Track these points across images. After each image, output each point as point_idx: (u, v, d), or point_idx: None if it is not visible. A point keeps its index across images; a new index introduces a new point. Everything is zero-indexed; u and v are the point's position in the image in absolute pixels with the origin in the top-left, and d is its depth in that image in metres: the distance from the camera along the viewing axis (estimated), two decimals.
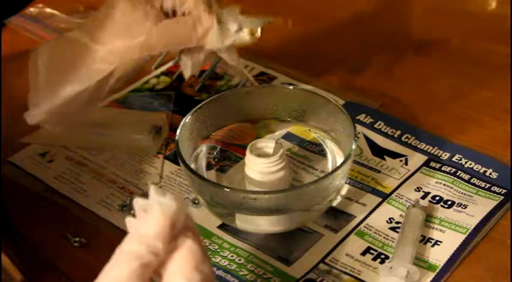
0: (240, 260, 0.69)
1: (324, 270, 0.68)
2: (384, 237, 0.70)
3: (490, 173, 0.76)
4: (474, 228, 0.70)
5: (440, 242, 0.69)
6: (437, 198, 0.73)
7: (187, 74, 0.72)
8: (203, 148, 0.75)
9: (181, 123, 0.72)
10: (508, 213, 0.72)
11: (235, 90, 0.80)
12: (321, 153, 0.76)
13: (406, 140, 0.80)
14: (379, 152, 0.79)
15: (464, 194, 0.74)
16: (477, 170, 0.76)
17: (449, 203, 0.73)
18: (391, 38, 0.97)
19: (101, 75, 0.67)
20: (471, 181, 0.75)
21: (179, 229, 0.50)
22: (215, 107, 0.74)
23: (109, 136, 0.80)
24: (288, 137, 0.78)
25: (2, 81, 0.67)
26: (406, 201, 0.73)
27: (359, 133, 0.80)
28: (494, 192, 0.74)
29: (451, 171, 0.76)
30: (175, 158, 0.78)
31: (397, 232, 0.70)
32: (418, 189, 0.75)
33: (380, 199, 0.74)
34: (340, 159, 0.72)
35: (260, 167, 0.69)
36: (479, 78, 0.89)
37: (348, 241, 0.70)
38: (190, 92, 0.88)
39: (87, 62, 0.66)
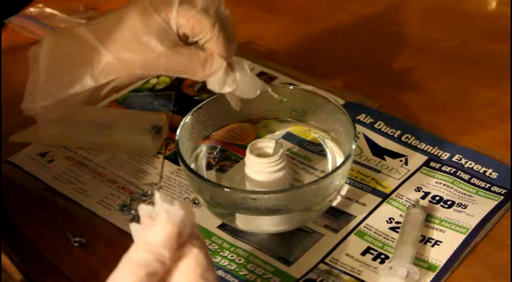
0: (240, 260, 0.69)
1: (324, 270, 0.68)
2: (384, 237, 0.70)
3: (490, 173, 0.76)
4: (474, 228, 0.70)
5: (440, 242, 0.69)
6: (437, 198, 0.73)
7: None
8: (203, 148, 0.75)
9: (181, 123, 0.72)
10: (508, 213, 0.72)
11: None
12: (321, 153, 0.76)
13: (406, 140, 0.80)
14: (379, 152, 0.79)
15: (464, 194, 0.74)
16: (477, 170, 0.76)
17: (449, 203, 0.73)
18: (391, 38, 0.97)
19: (106, 79, 0.66)
20: (471, 181, 0.75)
21: (186, 237, 0.50)
22: (215, 107, 0.74)
23: (109, 136, 0.80)
24: (288, 137, 0.78)
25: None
26: (406, 201, 0.73)
27: (359, 133, 0.80)
28: (494, 192, 0.74)
29: (451, 171, 0.76)
30: (175, 158, 0.78)
31: (397, 232, 0.70)
32: (418, 189, 0.75)
33: (380, 199, 0.74)
34: (340, 159, 0.72)
35: (260, 167, 0.69)
36: (480, 78, 0.89)
37: (348, 241, 0.70)
38: (190, 92, 0.88)
39: (94, 64, 0.65)
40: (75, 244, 0.72)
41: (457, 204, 0.73)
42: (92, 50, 0.65)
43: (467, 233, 0.70)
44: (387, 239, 0.70)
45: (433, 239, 0.69)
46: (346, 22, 1.00)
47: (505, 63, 0.89)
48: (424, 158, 0.78)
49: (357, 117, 0.82)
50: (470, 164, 0.77)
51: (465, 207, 0.72)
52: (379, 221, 0.72)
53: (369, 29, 0.98)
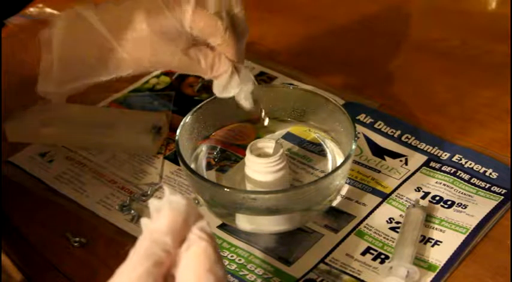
0: (240, 260, 0.69)
1: (324, 270, 0.68)
2: (384, 237, 0.70)
3: (490, 173, 0.76)
4: (474, 228, 0.70)
5: (440, 242, 0.69)
6: (437, 198, 0.73)
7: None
8: (203, 148, 0.75)
9: (181, 123, 0.72)
10: (508, 213, 0.72)
11: None
12: (321, 153, 0.76)
13: (406, 140, 0.80)
14: (379, 152, 0.79)
15: (464, 194, 0.74)
16: (477, 170, 0.76)
17: (449, 203, 0.73)
18: (391, 37, 0.97)
19: (119, 74, 0.67)
20: (471, 181, 0.75)
21: (190, 227, 0.50)
22: (215, 107, 0.74)
23: (109, 136, 0.80)
24: (288, 137, 0.78)
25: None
26: (406, 201, 0.73)
27: (359, 133, 0.80)
28: (494, 192, 0.74)
29: (451, 171, 0.76)
30: (175, 158, 0.78)
31: (397, 232, 0.70)
32: (418, 189, 0.75)
33: (380, 199, 0.74)
34: (340, 159, 0.72)
35: (260, 167, 0.69)
36: (479, 78, 0.89)
37: (348, 241, 0.70)
38: (190, 92, 0.88)
39: (108, 60, 0.66)
40: (75, 244, 0.72)
41: (457, 204, 0.73)
42: (104, 43, 0.65)
43: (467, 233, 0.70)
44: (387, 239, 0.70)
45: (433, 239, 0.69)
46: (346, 22, 1.00)
47: (505, 63, 0.89)
48: (424, 158, 0.78)
49: (357, 117, 0.82)
50: (470, 164, 0.77)
51: (465, 207, 0.72)
52: (379, 221, 0.72)
53: (369, 29, 0.98)
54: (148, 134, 0.80)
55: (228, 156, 0.76)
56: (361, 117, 0.83)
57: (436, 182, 0.75)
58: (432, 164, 0.77)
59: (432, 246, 0.69)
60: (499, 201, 0.73)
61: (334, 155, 0.74)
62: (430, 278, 0.66)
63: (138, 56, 0.66)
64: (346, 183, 0.74)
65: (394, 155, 0.78)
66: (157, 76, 0.91)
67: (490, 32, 0.96)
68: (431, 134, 0.81)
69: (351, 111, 0.72)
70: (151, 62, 0.67)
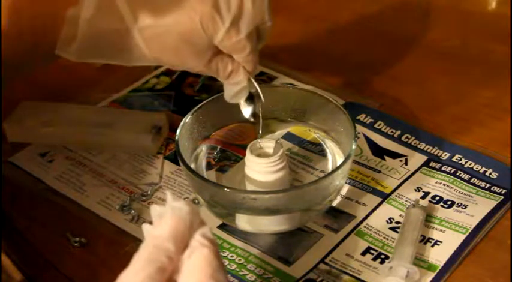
0: (240, 260, 0.69)
1: (324, 270, 0.68)
2: (384, 237, 0.70)
3: (490, 173, 0.76)
4: (474, 228, 0.70)
5: (440, 242, 0.69)
6: (437, 198, 0.73)
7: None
8: (203, 148, 0.75)
9: (181, 123, 0.72)
10: (508, 213, 0.72)
11: None
12: (321, 153, 0.76)
13: (406, 140, 0.80)
14: (379, 152, 0.79)
15: (464, 194, 0.74)
16: (477, 170, 0.76)
17: (449, 203, 0.73)
18: (391, 37, 0.97)
19: (140, 64, 0.66)
20: (471, 181, 0.75)
21: (193, 234, 0.50)
22: (215, 107, 0.74)
23: (109, 136, 0.81)
24: (288, 137, 0.78)
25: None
26: (406, 201, 0.73)
27: (359, 133, 0.80)
28: (494, 192, 0.74)
29: (451, 171, 0.76)
30: (175, 158, 0.78)
31: (397, 232, 0.70)
32: (418, 189, 0.75)
33: (380, 199, 0.74)
34: (340, 159, 0.72)
35: (260, 167, 0.69)
36: (479, 78, 0.89)
37: (348, 241, 0.70)
38: (190, 92, 0.88)
39: (132, 57, 0.65)
40: (75, 244, 0.72)
41: (457, 204, 0.73)
42: (129, 36, 0.64)
43: (467, 233, 0.70)
44: (387, 239, 0.70)
45: (433, 239, 0.69)
46: (346, 22, 1.00)
47: (505, 63, 0.89)
48: (424, 158, 0.78)
49: (357, 117, 0.82)
50: (470, 164, 0.77)
51: (465, 207, 0.72)
52: (379, 221, 0.72)
53: (369, 29, 0.99)
54: (148, 134, 0.80)
55: (228, 156, 0.76)
56: (361, 117, 0.83)
57: (436, 182, 0.75)
58: (432, 164, 0.77)
59: (432, 246, 0.69)
60: (499, 201, 0.73)
61: (334, 155, 0.74)
62: (430, 278, 0.66)
63: (160, 55, 0.66)
64: (346, 183, 0.74)
65: (394, 155, 0.78)
66: (157, 76, 0.91)
67: (490, 32, 0.96)
68: (431, 134, 0.81)
69: (351, 111, 0.72)
70: (171, 63, 0.67)
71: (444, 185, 0.75)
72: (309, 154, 0.77)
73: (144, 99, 0.88)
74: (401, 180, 0.76)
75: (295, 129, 0.78)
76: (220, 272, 0.49)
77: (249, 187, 0.70)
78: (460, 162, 0.77)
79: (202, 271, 0.49)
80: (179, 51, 0.65)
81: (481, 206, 0.72)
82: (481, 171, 0.76)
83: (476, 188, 0.74)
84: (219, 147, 0.76)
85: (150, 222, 0.72)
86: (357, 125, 0.72)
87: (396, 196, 0.74)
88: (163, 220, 0.50)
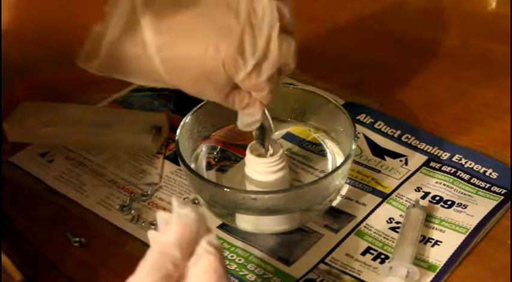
0: (240, 260, 0.69)
1: (324, 270, 0.68)
2: (384, 237, 0.70)
3: (490, 173, 0.76)
4: (474, 228, 0.70)
5: (440, 242, 0.69)
6: (437, 198, 0.73)
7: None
8: (203, 148, 0.75)
9: (181, 123, 0.72)
10: (508, 213, 0.72)
11: None
12: (321, 153, 0.76)
13: (406, 140, 0.80)
14: (379, 152, 0.79)
15: (464, 194, 0.74)
16: (477, 170, 0.76)
17: (449, 203, 0.73)
18: (391, 38, 0.97)
19: (157, 86, 0.66)
20: (471, 181, 0.75)
21: (198, 241, 0.50)
22: (215, 107, 0.74)
23: (109, 136, 0.80)
24: (288, 137, 0.78)
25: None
26: (406, 201, 0.73)
27: (359, 133, 0.80)
28: (494, 192, 0.74)
29: (451, 171, 0.76)
30: (175, 158, 0.78)
31: (397, 232, 0.70)
32: (418, 189, 0.75)
33: (380, 199, 0.74)
34: (340, 159, 0.72)
35: (260, 167, 0.69)
36: (479, 78, 0.89)
37: (348, 241, 0.70)
38: None
39: (151, 80, 0.64)
40: (75, 244, 0.72)
41: (457, 204, 0.73)
42: (153, 68, 0.63)
43: (467, 233, 0.70)
44: (387, 239, 0.70)
45: (433, 239, 0.69)
46: (346, 22, 1.00)
47: (505, 63, 0.89)
48: (424, 158, 0.78)
49: (357, 117, 0.82)
50: (470, 164, 0.77)
51: (465, 207, 0.72)
52: (379, 221, 0.72)
53: (369, 29, 0.98)
54: (148, 134, 0.80)
55: (228, 156, 0.76)
56: (361, 117, 0.83)
57: (436, 182, 0.75)
58: (432, 164, 0.77)
59: (432, 246, 0.69)
60: (499, 201, 0.73)
61: (334, 155, 0.74)
62: (430, 278, 0.66)
63: (179, 83, 0.64)
64: (346, 183, 0.74)
65: (394, 155, 0.78)
66: None
67: (490, 32, 0.96)
68: (431, 134, 0.81)
69: (351, 111, 0.72)
70: (189, 91, 0.65)
71: (444, 185, 0.75)
72: (309, 154, 0.77)
73: (144, 99, 0.88)
74: (401, 180, 0.76)
75: (295, 129, 0.78)
76: (225, 279, 0.49)
77: (249, 187, 0.70)
78: (460, 162, 0.77)
79: (207, 278, 0.49)
80: (198, 83, 0.64)
81: (481, 206, 0.72)
82: (481, 171, 0.76)
83: (476, 188, 0.74)
84: (219, 147, 0.76)
85: (151, 224, 0.72)
86: (357, 125, 0.72)
87: (396, 196, 0.74)
88: (169, 227, 0.50)
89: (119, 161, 0.80)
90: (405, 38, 0.97)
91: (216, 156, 0.76)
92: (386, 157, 0.78)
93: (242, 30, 0.61)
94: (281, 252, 0.69)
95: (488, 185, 0.74)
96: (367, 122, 0.82)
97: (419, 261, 0.67)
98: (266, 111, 0.67)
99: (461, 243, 0.69)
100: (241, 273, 0.68)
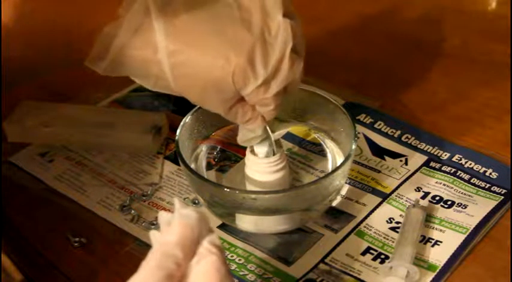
0: (240, 260, 0.69)
1: (324, 270, 0.68)
2: (384, 237, 0.70)
3: (490, 173, 0.76)
4: (474, 228, 0.70)
5: (440, 242, 0.69)
6: (437, 198, 0.73)
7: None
8: (203, 148, 0.75)
9: (181, 123, 0.72)
10: (508, 213, 0.72)
11: None
12: (321, 153, 0.76)
13: (406, 140, 0.80)
14: (379, 152, 0.79)
15: (464, 194, 0.74)
16: (477, 170, 0.76)
17: (449, 203, 0.73)
18: (391, 38, 0.97)
19: (162, 91, 0.66)
20: (471, 181, 0.75)
21: (200, 241, 0.50)
22: None
23: (109, 136, 0.81)
24: (288, 137, 0.78)
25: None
26: (406, 201, 0.73)
27: (359, 133, 0.80)
28: (494, 192, 0.74)
29: (451, 171, 0.76)
30: (175, 158, 0.78)
31: (397, 232, 0.70)
32: (418, 189, 0.75)
33: (380, 199, 0.74)
34: (340, 159, 0.72)
35: (260, 167, 0.69)
36: (479, 78, 0.89)
37: (348, 241, 0.70)
38: None
39: (157, 81, 0.64)
40: (75, 244, 0.72)
41: (457, 204, 0.73)
42: (161, 73, 0.63)
43: (467, 233, 0.70)
44: (387, 239, 0.70)
45: (433, 239, 0.69)
46: (346, 22, 1.00)
47: (505, 63, 0.89)
48: (424, 158, 0.78)
49: (357, 117, 0.82)
50: (470, 164, 0.77)
51: (465, 207, 0.72)
52: (379, 221, 0.72)
53: (369, 29, 0.99)
54: (148, 134, 0.80)
55: (228, 156, 0.76)
56: (361, 117, 0.83)
57: (436, 182, 0.75)
58: (432, 164, 0.77)
59: (432, 246, 0.69)
60: (499, 201, 0.73)
61: (334, 155, 0.74)
62: (430, 278, 0.66)
63: (184, 92, 0.64)
64: (346, 183, 0.74)
65: (394, 155, 0.79)
66: None
67: (490, 32, 0.96)
68: (431, 134, 0.81)
69: (351, 111, 0.72)
70: (193, 100, 0.66)
71: (444, 185, 0.75)
72: (309, 154, 0.77)
73: (144, 99, 0.88)
74: (401, 180, 0.76)
75: (295, 129, 0.78)
76: (227, 279, 0.49)
77: (249, 187, 0.70)
78: (460, 162, 0.77)
79: (210, 278, 0.49)
80: (204, 93, 0.64)
81: (481, 206, 0.72)
82: (481, 171, 0.76)
83: (476, 188, 0.74)
84: (219, 147, 0.76)
85: (151, 224, 0.72)
86: (357, 125, 0.72)
87: (396, 196, 0.74)
88: (172, 227, 0.50)
89: (119, 161, 0.80)
90: (405, 38, 0.97)
91: (216, 156, 0.76)
92: (386, 157, 0.78)
93: (254, 44, 0.61)
94: (281, 252, 0.69)
95: (488, 185, 0.74)
96: (367, 122, 0.82)
97: (419, 261, 0.67)
98: (268, 128, 0.67)
99: (461, 243, 0.69)
100: (241, 273, 0.68)
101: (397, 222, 0.71)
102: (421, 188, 0.75)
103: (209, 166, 0.74)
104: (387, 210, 0.73)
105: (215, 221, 0.72)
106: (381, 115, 0.83)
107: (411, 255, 0.66)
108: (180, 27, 0.62)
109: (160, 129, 0.81)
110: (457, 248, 0.68)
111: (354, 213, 0.73)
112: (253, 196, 0.67)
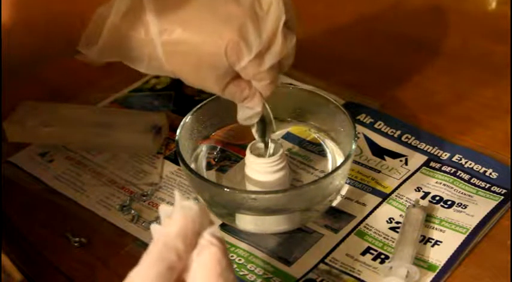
0: (240, 260, 0.69)
1: (324, 270, 0.68)
2: (384, 237, 0.70)
3: (490, 173, 0.76)
4: (474, 228, 0.70)
5: (440, 242, 0.69)
6: (437, 198, 0.73)
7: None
8: (203, 148, 0.75)
9: (181, 123, 0.72)
10: (508, 213, 0.72)
11: None
12: (321, 153, 0.76)
13: (406, 140, 0.80)
14: (379, 152, 0.79)
15: (464, 194, 0.74)
16: (477, 170, 0.76)
17: (449, 203, 0.73)
18: (391, 37, 0.97)
19: (157, 74, 0.65)
20: (471, 181, 0.75)
21: (201, 232, 0.50)
22: (215, 107, 0.74)
23: (109, 136, 0.80)
24: (288, 137, 0.78)
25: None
26: (406, 201, 0.73)
27: (359, 133, 0.80)
28: (494, 192, 0.74)
29: (451, 171, 0.76)
30: (175, 158, 0.78)
31: (397, 232, 0.70)
32: (418, 189, 0.75)
33: (380, 199, 0.74)
34: (340, 159, 0.72)
35: (260, 167, 0.69)
36: (479, 78, 0.89)
37: (348, 241, 0.70)
38: (190, 92, 0.88)
39: (151, 61, 0.64)
40: (75, 244, 0.72)
41: (457, 204, 0.73)
42: (154, 54, 0.63)
43: (467, 233, 0.70)
44: (387, 239, 0.70)
45: (433, 239, 0.69)
46: (346, 22, 1.00)
47: (505, 63, 0.89)
48: (424, 158, 0.78)
49: (357, 117, 0.82)
50: (470, 164, 0.77)
51: (465, 207, 0.72)
52: (379, 221, 0.72)
53: (369, 29, 0.98)
54: (148, 134, 0.80)
55: (228, 156, 0.76)
56: (361, 117, 0.83)
57: (436, 182, 0.75)
58: (432, 164, 0.77)
59: (432, 246, 0.69)
60: (499, 201, 0.73)
61: (334, 155, 0.74)
62: (430, 278, 0.66)
63: (178, 71, 0.64)
64: (346, 183, 0.74)
65: (394, 155, 0.78)
66: (158, 76, 0.91)
67: (490, 32, 0.96)
68: (431, 134, 0.81)
69: (351, 111, 0.72)
70: (188, 81, 0.66)
71: (444, 185, 0.75)
72: (309, 154, 0.77)
73: (144, 99, 0.88)
74: (401, 180, 0.76)
75: (295, 129, 0.78)
76: (228, 271, 0.49)
77: (249, 187, 0.70)
78: (460, 162, 0.77)
79: (211, 270, 0.49)
80: (198, 71, 0.64)
81: (481, 206, 0.72)
82: (481, 171, 0.76)
83: (476, 188, 0.74)
84: (219, 147, 0.76)
85: (151, 223, 0.72)
86: (357, 125, 0.72)
87: (396, 196, 0.74)
88: (172, 219, 0.50)
89: (119, 161, 0.80)
90: (405, 38, 0.97)
91: (216, 156, 0.76)
92: (386, 157, 0.78)
93: (245, 18, 0.61)
94: (281, 252, 0.69)
95: (488, 185, 0.74)
96: (367, 122, 0.82)
97: (419, 261, 0.67)
98: (266, 105, 0.68)
99: (461, 243, 0.69)
100: (241, 273, 0.68)
101: (397, 222, 0.71)
102: (421, 188, 0.75)
103: (209, 166, 0.74)
104: (387, 210, 0.73)
105: (215, 221, 0.71)
106: (381, 115, 0.83)
107: (411, 255, 0.66)
108: (170, 5, 0.62)
109: (161, 129, 0.81)
110: (457, 248, 0.68)
111: (354, 213, 0.73)
112: (253, 196, 0.67)
